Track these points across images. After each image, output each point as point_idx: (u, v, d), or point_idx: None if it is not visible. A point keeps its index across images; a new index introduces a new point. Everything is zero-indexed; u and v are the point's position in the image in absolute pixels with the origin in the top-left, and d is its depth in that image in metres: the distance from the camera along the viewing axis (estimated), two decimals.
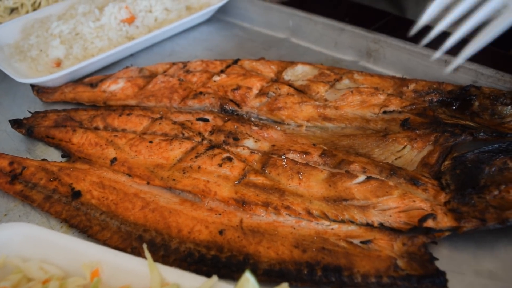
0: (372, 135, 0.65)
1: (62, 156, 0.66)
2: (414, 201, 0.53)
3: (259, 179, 0.56)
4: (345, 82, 0.74)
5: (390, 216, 0.53)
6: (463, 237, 0.53)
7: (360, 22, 0.96)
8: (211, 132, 0.63)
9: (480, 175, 0.56)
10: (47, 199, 0.59)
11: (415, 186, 0.55)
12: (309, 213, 0.53)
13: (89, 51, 0.83)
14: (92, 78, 0.79)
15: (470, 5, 0.46)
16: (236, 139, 0.62)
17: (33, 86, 0.78)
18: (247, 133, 0.63)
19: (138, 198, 0.57)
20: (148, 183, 0.59)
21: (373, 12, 1.05)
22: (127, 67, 0.82)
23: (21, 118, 0.72)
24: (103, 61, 0.83)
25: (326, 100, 0.70)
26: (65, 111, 0.72)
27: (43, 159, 0.65)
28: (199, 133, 0.64)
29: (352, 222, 0.53)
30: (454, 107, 0.69)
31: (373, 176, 0.56)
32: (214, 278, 0.44)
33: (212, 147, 0.61)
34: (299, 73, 0.76)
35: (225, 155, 0.59)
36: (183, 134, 0.63)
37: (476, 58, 0.73)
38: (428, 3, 0.48)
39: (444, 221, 0.51)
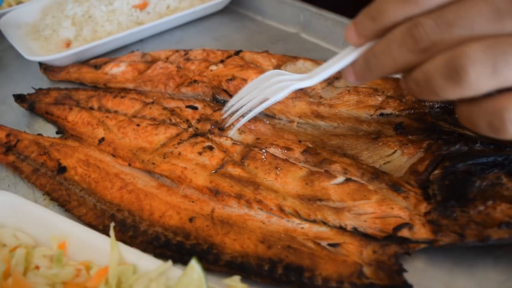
0: (363, 137, 0.62)
1: (57, 133, 0.68)
2: (392, 208, 0.51)
3: (236, 171, 0.56)
4: (345, 80, 0.72)
5: (365, 221, 0.51)
6: (442, 251, 0.50)
7: None
8: (198, 120, 0.63)
9: (469, 188, 0.52)
10: (35, 172, 0.61)
11: (396, 193, 0.52)
12: (281, 209, 0.52)
13: (98, 34, 0.85)
14: (97, 60, 0.81)
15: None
16: (221, 129, 0.61)
17: (41, 64, 0.81)
18: (233, 124, 0.62)
19: (118, 179, 0.58)
20: (129, 164, 0.60)
21: None
22: (132, 51, 0.83)
23: (27, 93, 0.75)
24: (111, 45, 0.85)
25: (321, 97, 0.68)
26: (67, 89, 0.75)
27: (39, 134, 0.67)
28: (187, 121, 0.64)
29: (324, 223, 0.51)
30: (456, 115, 0.65)
31: (353, 178, 0.54)
32: (169, 263, 0.44)
33: (196, 135, 0.61)
34: (298, 68, 0.74)
35: (207, 144, 0.59)
36: (171, 120, 0.63)
37: None
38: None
39: (421, 232, 0.49)
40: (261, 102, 0.58)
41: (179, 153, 0.58)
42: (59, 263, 0.47)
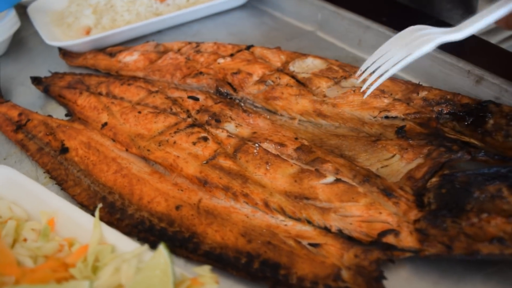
0: (362, 139, 0.60)
1: (66, 115, 0.71)
2: (380, 213, 0.49)
3: (227, 163, 0.56)
4: (353, 81, 0.70)
5: (351, 224, 0.49)
6: (429, 262, 0.48)
7: (398, 23, 0.90)
8: (198, 111, 0.64)
9: (467, 199, 0.50)
10: (39, 150, 0.64)
11: (386, 198, 0.50)
12: (266, 205, 0.52)
13: (117, 23, 0.88)
14: (113, 48, 0.84)
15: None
16: (218, 121, 0.61)
17: (60, 49, 0.84)
18: (230, 117, 0.62)
19: (114, 163, 0.60)
20: (126, 150, 0.61)
21: (415, 14, 0.97)
22: (147, 41, 0.85)
23: (44, 76, 0.79)
24: (128, 34, 0.87)
25: (325, 96, 0.67)
26: (80, 75, 0.77)
27: (49, 115, 0.70)
28: (187, 111, 0.64)
29: (309, 222, 0.50)
30: (466, 123, 0.62)
31: (343, 179, 0.52)
32: (144, 247, 0.44)
33: (193, 125, 0.61)
34: (306, 65, 0.73)
35: (202, 134, 0.59)
36: (171, 109, 0.64)
37: (503, 72, 0.65)
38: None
39: (407, 240, 0.47)
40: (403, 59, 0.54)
41: (174, 142, 0.59)
42: (45, 237, 0.49)
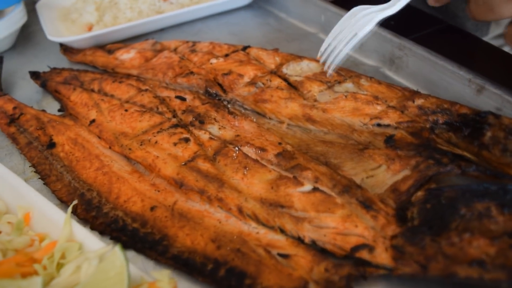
0: (349, 146, 0.58)
1: (59, 110, 0.72)
2: (357, 226, 0.47)
3: (205, 166, 0.54)
4: (347, 85, 0.67)
5: (325, 235, 0.47)
6: (404, 281, 0.45)
7: (407, 26, 0.87)
8: (184, 112, 0.63)
9: (452, 216, 0.47)
10: (28, 144, 0.64)
11: (364, 210, 0.48)
12: (240, 210, 0.50)
13: (118, 20, 0.88)
14: (112, 46, 0.84)
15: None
16: (201, 122, 0.60)
17: (61, 45, 0.85)
18: (215, 119, 0.61)
19: (97, 160, 0.60)
20: (110, 147, 0.61)
21: (426, 17, 0.93)
22: (146, 39, 0.85)
23: (42, 71, 0.80)
24: (128, 31, 0.87)
25: (315, 100, 0.65)
26: (77, 71, 0.78)
27: (43, 110, 0.71)
28: (173, 111, 0.64)
29: (282, 231, 0.49)
30: (463, 134, 0.59)
31: (321, 188, 0.50)
32: (109, 247, 0.44)
33: (176, 125, 0.60)
34: (300, 68, 0.71)
35: (184, 135, 0.59)
36: (158, 108, 0.64)
37: (506, 81, 0.61)
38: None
39: (382, 256, 0.44)
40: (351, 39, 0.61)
41: (156, 142, 0.58)
42: (18, 231, 0.49)
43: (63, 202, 0.56)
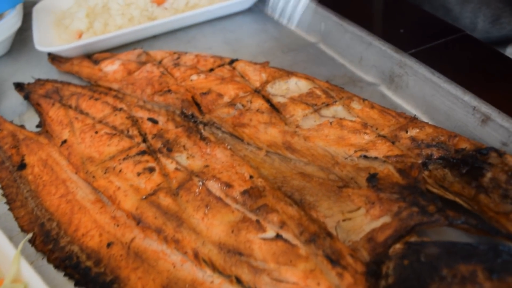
0: (327, 183, 0.52)
1: (37, 126, 0.70)
2: (319, 284, 0.42)
3: (166, 201, 0.51)
4: (336, 109, 0.61)
5: None
6: None
7: (418, 35, 0.79)
8: (154, 136, 0.59)
9: (431, 277, 0.41)
10: (1, 164, 0.63)
11: (330, 265, 0.43)
12: (196, 255, 0.46)
13: (109, 28, 0.85)
14: (100, 55, 0.81)
15: None
16: (169, 149, 0.56)
17: (49, 53, 0.83)
18: (184, 146, 0.57)
19: (63, 185, 0.57)
20: (76, 173, 0.58)
21: (441, 25, 0.84)
22: (135, 48, 0.82)
23: (27, 82, 0.78)
24: (118, 40, 0.84)
25: (298, 126, 0.59)
26: (61, 83, 0.76)
27: (22, 125, 0.69)
28: (144, 134, 0.60)
29: (239, 282, 0.44)
30: (461, 172, 0.52)
31: (285, 236, 0.45)
32: None
33: (143, 152, 0.57)
34: (286, 87, 0.66)
35: (150, 164, 0.55)
36: (128, 131, 0.60)
37: None
38: None
39: None
40: None
41: (120, 170, 0.55)
42: None
43: (23, 231, 0.54)
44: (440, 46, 0.80)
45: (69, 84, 0.75)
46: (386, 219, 0.47)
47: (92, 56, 0.82)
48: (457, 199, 0.48)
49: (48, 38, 0.86)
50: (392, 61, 0.67)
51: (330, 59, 0.78)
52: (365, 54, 0.72)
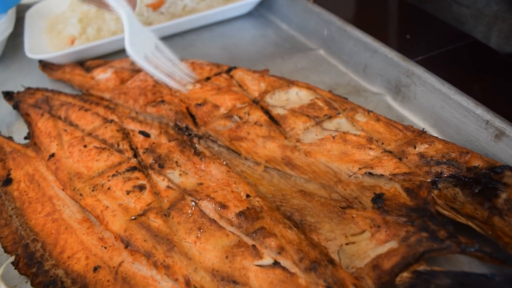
0: (330, 203, 0.49)
1: (25, 138, 0.67)
2: None
3: (157, 222, 0.47)
4: (340, 121, 0.58)
5: None
6: None
7: (425, 41, 0.75)
8: (145, 151, 0.56)
9: None
10: None
11: None
12: (188, 283, 0.43)
13: (102, 33, 0.82)
14: (92, 62, 0.78)
15: None
16: (161, 166, 0.53)
17: (40, 61, 0.80)
18: (177, 162, 0.53)
19: (50, 203, 0.54)
20: (63, 189, 0.55)
21: (450, 31, 0.81)
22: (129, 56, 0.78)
23: (17, 91, 0.75)
24: (111, 46, 0.81)
25: (298, 140, 0.56)
26: (51, 92, 0.73)
27: (9, 137, 0.66)
28: (135, 149, 0.57)
29: None
30: (473, 192, 0.48)
31: (284, 263, 0.42)
32: None
33: (134, 168, 0.53)
34: (286, 98, 0.62)
35: (140, 182, 0.51)
36: (118, 145, 0.57)
37: None
38: None
39: None
40: None
41: (109, 188, 0.52)
42: None
43: (6, 252, 0.51)
44: (448, 53, 0.76)
45: (59, 93, 0.72)
46: (392, 244, 0.43)
47: (84, 64, 0.79)
48: (470, 223, 0.44)
49: (40, 44, 0.83)
50: (398, 70, 0.63)
51: (333, 67, 0.74)
52: (370, 62, 0.69)
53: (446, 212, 0.46)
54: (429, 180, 0.49)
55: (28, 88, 0.75)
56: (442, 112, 0.58)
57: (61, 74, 0.78)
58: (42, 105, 0.69)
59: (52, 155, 0.59)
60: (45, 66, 0.80)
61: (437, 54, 0.76)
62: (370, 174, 0.51)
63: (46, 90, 0.74)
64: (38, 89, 0.74)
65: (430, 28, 0.85)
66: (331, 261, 0.42)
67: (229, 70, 0.69)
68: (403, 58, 0.64)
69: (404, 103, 0.64)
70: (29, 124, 0.69)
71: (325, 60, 0.76)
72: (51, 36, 0.86)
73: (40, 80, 0.81)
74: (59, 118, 0.66)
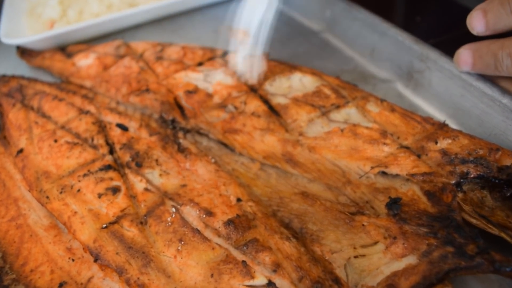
0: (335, 208, 0.42)
1: None
2: None
3: (131, 232, 0.40)
4: (349, 112, 0.50)
5: None
6: None
7: (437, 23, 0.67)
8: (122, 146, 0.49)
9: None
10: None
11: None
12: None
13: (84, 16, 0.74)
14: (74, 47, 0.71)
15: None
16: (138, 164, 0.46)
17: (18, 47, 0.73)
18: (157, 160, 0.46)
19: (15, 206, 0.47)
20: (29, 190, 0.48)
21: (463, 11, 0.72)
22: (115, 39, 0.71)
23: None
24: (93, 30, 0.73)
25: (301, 134, 0.48)
26: (27, 79, 0.66)
27: None
28: (111, 144, 0.50)
29: None
30: (504, 195, 0.41)
31: (279, 284, 0.35)
32: None
33: (108, 167, 0.46)
34: (288, 85, 0.55)
35: (114, 183, 0.44)
36: (93, 140, 0.50)
37: None
38: None
39: None
40: None
41: (78, 190, 0.45)
42: None
43: None
44: (463, 36, 0.68)
45: (35, 81, 0.65)
46: (411, 260, 0.36)
47: (66, 49, 0.71)
48: (503, 234, 0.37)
49: (19, 29, 0.76)
50: (410, 54, 0.56)
51: (336, 51, 0.67)
52: (377, 45, 0.61)
53: (474, 221, 0.38)
54: (453, 182, 0.41)
55: (3, 76, 0.68)
56: (461, 101, 0.50)
57: (40, 60, 0.71)
58: (15, 95, 0.62)
59: (21, 150, 0.52)
60: (24, 52, 0.73)
61: (450, 38, 0.68)
62: (384, 174, 0.44)
63: (22, 77, 0.67)
64: (13, 77, 0.67)
65: (442, 10, 0.77)
66: (337, 280, 0.35)
67: (224, 55, 0.61)
68: (416, 41, 0.56)
69: (417, 91, 0.56)
70: (1, 114, 0.62)
71: (328, 43, 0.69)
72: (31, 20, 0.79)
73: (19, 67, 0.73)
74: (32, 108, 0.58)
